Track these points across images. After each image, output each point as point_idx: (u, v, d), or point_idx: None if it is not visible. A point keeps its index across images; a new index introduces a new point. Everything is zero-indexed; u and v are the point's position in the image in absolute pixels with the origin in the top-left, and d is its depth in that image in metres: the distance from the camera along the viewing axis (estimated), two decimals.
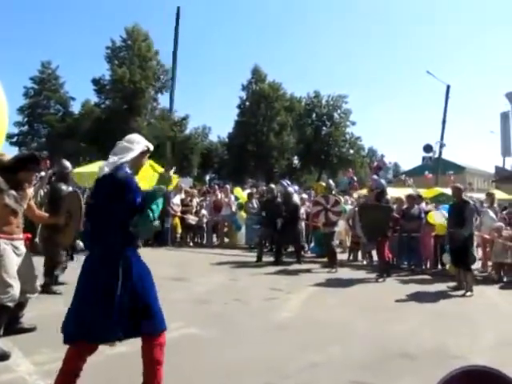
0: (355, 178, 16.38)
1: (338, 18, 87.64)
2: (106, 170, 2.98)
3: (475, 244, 8.60)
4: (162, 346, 3.03)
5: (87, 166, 17.74)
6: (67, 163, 7.12)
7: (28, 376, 3.68)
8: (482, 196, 12.79)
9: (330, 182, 11.59)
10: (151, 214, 2.96)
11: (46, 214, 5.20)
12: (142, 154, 3.16)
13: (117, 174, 2.95)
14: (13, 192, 4.31)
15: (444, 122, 24.83)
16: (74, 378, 2.92)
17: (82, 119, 42.72)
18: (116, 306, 2.80)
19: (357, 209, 10.43)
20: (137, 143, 3.16)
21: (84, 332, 2.83)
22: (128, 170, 3.03)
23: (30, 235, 4.84)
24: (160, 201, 3.05)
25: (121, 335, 2.86)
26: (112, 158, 3.04)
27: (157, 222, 3.14)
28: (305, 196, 14.06)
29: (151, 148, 3.24)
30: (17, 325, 4.70)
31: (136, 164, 3.13)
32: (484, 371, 1.76)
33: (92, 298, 2.85)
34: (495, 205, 10.62)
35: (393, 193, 12.63)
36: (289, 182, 12.44)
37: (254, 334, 4.80)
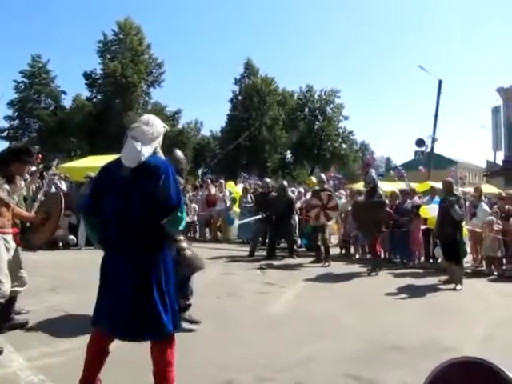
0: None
1: (331, 13, 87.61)
2: (142, 158, 2.79)
3: (466, 237, 8.69)
4: (173, 347, 2.93)
5: (79, 160, 17.66)
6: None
7: (20, 371, 3.66)
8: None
9: (322, 175, 11.59)
10: (182, 220, 2.86)
11: (24, 212, 4.87)
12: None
13: (159, 162, 2.84)
14: (6, 185, 4.25)
15: (436, 116, 24.98)
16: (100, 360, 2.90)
17: (74, 113, 42.39)
18: (142, 301, 2.74)
19: (350, 208, 10.45)
20: (156, 126, 2.99)
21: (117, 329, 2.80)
22: (165, 160, 2.93)
23: (17, 229, 4.72)
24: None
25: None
26: (138, 144, 2.83)
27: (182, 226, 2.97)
28: (301, 190, 14.05)
29: (168, 128, 3.15)
30: (9, 321, 4.67)
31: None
32: (474, 362, 1.79)
33: (120, 292, 2.76)
34: (484, 199, 10.69)
35: (386, 187, 12.69)
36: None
37: (246, 328, 4.82)
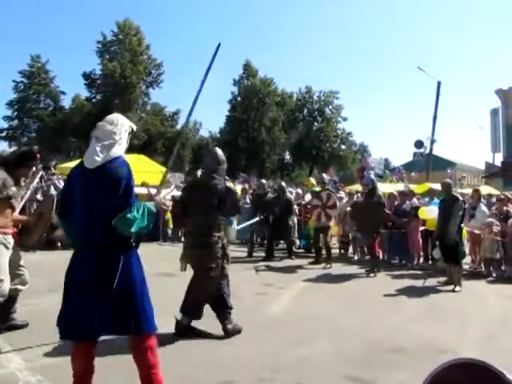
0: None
1: (330, 14, 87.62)
2: (99, 159, 2.75)
3: (465, 239, 8.69)
4: (153, 349, 2.88)
5: (78, 160, 17.61)
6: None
7: (19, 372, 3.66)
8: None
9: (323, 175, 11.59)
10: (134, 222, 2.73)
11: (20, 216, 4.86)
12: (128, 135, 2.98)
13: (116, 166, 2.77)
14: (14, 188, 4.35)
15: (435, 118, 24.98)
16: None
17: (73, 114, 42.41)
18: (109, 303, 2.70)
19: (349, 209, 10.47)
20: (121, 125, 2.93)
21: (73, 330, 2.75)
22: (126, 161, 2.85)
23: (15, 229, 4.74)
24: (146, 218, 2.82)
25: (107, 332, 2.81)
26: (99, 145, 2.80)
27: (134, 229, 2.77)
28: (299, 191, 14.04)
29: (135, 128, 3.06)
30: (9, 321, 4.68)
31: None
32: (473, 363, 1.79)
33: (85, 294, 2.72)
34: (483, 200, 10.72)
35: (384, 188, 12.70)
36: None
37: (245, 329, 4.81)
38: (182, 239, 13.45)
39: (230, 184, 4.79)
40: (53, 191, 10.37)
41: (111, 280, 2.71)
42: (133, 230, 2.74)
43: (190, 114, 4.31)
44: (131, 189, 2.80)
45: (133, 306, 2.77)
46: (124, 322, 2.75)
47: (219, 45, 4.13)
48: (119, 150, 2.85)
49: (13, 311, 4.73)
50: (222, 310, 4.75)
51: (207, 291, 4.70)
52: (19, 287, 4.64)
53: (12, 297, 4.55)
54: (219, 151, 5.02)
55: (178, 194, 13.86)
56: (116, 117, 2.99)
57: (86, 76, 43.11)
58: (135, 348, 2.87)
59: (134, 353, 2.88)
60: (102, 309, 2.70)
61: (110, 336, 2.96)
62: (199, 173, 5.25)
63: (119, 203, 2.72)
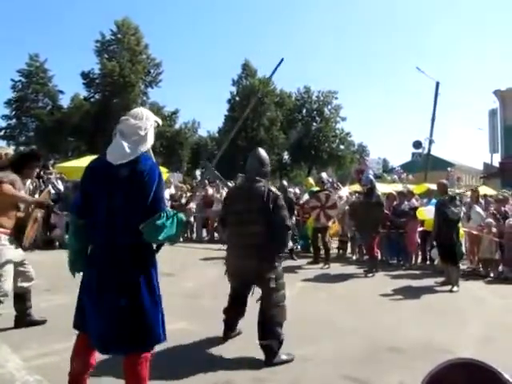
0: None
1: (329, 14, 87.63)
2: (126, 155, 2.60)
3: (463, 239, 8.71)
4: (148, 361, 2.72)
5: (76, 160, 17.63)
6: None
7: (16, 371, 3.66)
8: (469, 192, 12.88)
9: (322, 175, 11.57)
10: (162, 230, 2.58)
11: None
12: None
13: (146, 166, 2.61)
14: (22, 190, 4.49)
15: (433, 118, 24.94)
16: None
17: (71, 113, 42.31)
18: (123, 309, 2.57)
19: (347, 208, 10.49)
20: (146, 119, 2.77)
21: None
22: (155, 161, 2.71)
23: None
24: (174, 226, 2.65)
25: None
26: (124, 140, 2.65)
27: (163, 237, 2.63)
28: (297, 191, 14.04)
29: (160, 123, 2.92)
30: (27, 317, 4.76)
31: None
32: (470, 363, 1.79)
33: (99, 299, 2.61)
34: (481, 201, 10.73)
35: (382, 188, 12.70)
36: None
37: (243, 329, 4.81)
38: (181, 239, 13.59)
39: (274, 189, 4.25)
40: (51, 190, 10.34)
41: (131, 285, 2.58)
42: (161, 237, 2.60)
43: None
44: (162, 192, 2.68)
45: (146, 317, 2.63)
46: (133, 333, 2.61)
47: (282, 60, 4.26)
48: (145, 145, 2.71)
49: (28, 308, 4.81)
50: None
51: (279, 302, 4.19)
52: (24, 284, 4.67)
53: (21, 294, 4.65)
54: (262, 151, 4.61)
55: (173, 192, 14.02)
56: (141, 110, 2.85)
57: (84, 75, 42.99)
58: (130, 358, 2.69)
59: (126, 362, 2.69)
60: (114, 314, 2.57)
61: None
62: (239, 179, 4.89)
63: (148, 206, 2.57)
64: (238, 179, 4.63)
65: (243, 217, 4.18)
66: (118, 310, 2.57)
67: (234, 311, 4.54)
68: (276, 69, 4.01)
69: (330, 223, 10.10)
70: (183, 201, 13.97)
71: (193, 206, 13.87)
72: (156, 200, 2.61)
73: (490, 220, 9.16)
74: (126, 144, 2.64)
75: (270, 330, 4.02)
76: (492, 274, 8.88)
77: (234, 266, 4.33)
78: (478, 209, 9.68)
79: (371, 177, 9.32)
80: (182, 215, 2.74)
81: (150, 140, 2.77)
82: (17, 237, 4.52)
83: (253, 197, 4.20)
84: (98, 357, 2.92)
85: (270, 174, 4.54)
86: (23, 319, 4.73)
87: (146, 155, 2.71)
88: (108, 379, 3.39)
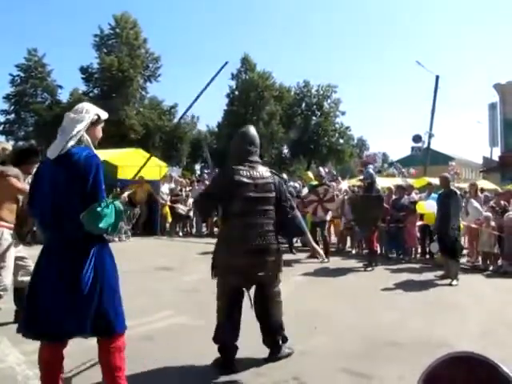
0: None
1: (328, 8, 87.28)
2: (59, 149, 2.65)
3: (462, 233, 8.72)
4: (121, 351, 2.77)
5: None
6: None
7: (17, 366, 3.66)
8: None
9: (320, 169, 11.57)
10: (103, 217, 2.60)
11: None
12: (94, 124, 2.82)
13: (82, 157, 2.63)
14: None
15: (433, 112, 24.91)
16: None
17: (70, 108, 41.54)
18: (80, 302, 2.60)
19: (346, 198, 10.52)
20: (86, 112, 2.79)
21: (45, 330, 2.65)
22: (94, 153, 2.72)
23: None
24: (114, 216, 2.68)
25: (84, 331, 2.66)
26: (61, 134, 2.70)
27: (104, 226, 2.64)
28: (297, 185, 14.01)
29: (103, 116, 2.89)
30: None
31: (91, 137, 2.78)
32: (470, 357, 1.80)
33: (56, 293, 2.62)
34: (480, 195, 10.74)
35: (382, 182, 12.71)
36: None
37: (242, 323, 4.81)
38: (180, 233, 13.62)
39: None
40: None
41: (82, 278, 2.60)
42: (101, 225, 2.60)
43: (181, 117, 4.22)
44: (100, 182, 2.67)
45: (105, 306, 2.67)
46: (96, 322, 2.64)
47: (226, 63, 4.08)
48: (81, 138, 2.72)
49: None
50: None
51: (279, 297, 4.02)
52: (24, 279, 4.65)
53: (21, 289, 4.61)
54: (253, 129, 4.12)
55: (172, 186, 14.02)
56: (82, 105, 2.89)
57: (83, 70, 42.84)
58: (102, 348, 2.76)
59: (100, 353, 2.77)
60: (75, 308, 2.59)
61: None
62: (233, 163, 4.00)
63: (88, 197, 2.60)
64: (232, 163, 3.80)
65: (250, 206, 3.69)
66: (74, 299, 2.60)
67: (231, 325, 3.92)
68: (219, 72, 3.90)
69: (328, 217, 10.11)
70: (183, 195, 14.01)
71: (192, 200, 13.88)
72: (95, 190, 2.64)
73: (489, 214, 9.17)
74: (61, 138, 2.69)
75: (274, 327, 3.94)
76: (491, 268, 8.90)
77: (236, 263, 3.77)
78: (476, 203, 9.69)
79: (371, 171, 9.32)
80: (118, 203, 2.77)
81: (82, 130, 2.74)
82: (18, 231, 4.52)
83: (260, 183, 3.75)
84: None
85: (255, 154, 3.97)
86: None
87: (82, 147, 2.71)
88: None
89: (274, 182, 3.83)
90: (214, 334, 3.87)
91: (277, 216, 3.82)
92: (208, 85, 3.73)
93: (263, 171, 3.83)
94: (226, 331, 3.84)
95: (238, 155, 3.89)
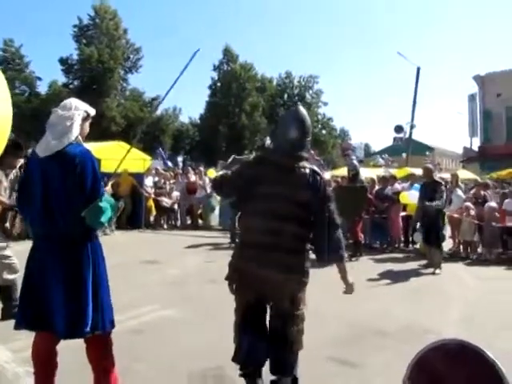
0: (318, 158, 16.36)
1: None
2: (50, 147, 2.62)
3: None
4: (111, 346, 2.80)
5: None
6: None
7: (6, 364, 3.65)
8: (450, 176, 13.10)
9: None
10: (104, 212, 2.64)
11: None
12: (83, 121, 2.80)
13: (77, 154, 2.62)
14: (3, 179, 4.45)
15: (414, 103, 25.19)
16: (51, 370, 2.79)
17: (49, 100, 41.39)
18: (73, 298, 2.59)
19: (331, 189, 10.59)
20: (75, 109, 2.76)
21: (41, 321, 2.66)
22: (87, 147, 2.71)
23: None
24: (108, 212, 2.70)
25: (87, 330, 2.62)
26: (50, 132, 2.68)
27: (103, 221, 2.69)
28: None
29: (91, 113, 2.88)
30: (13, 309, 4.68)
31: (81, 134, 2.77)
32: (456, 344, 1.86)
33: (49, 290, 2.61)
34: (461, 184, 10.93)
35: (365, 173, 12.84)
36: None
37: (229, 316, 4.83)
38: (165, 226, 13.57)
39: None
40: None
41: (76, 274, 2.61)
42: (103, 219, 2.65)
43: (156, 107, 4.16)
44: (98, 178, 2.69)
45: (96, 302, 2.66)
46: (89, 318, 2.62)
47: (197, 50, 3.98)
48: (72, 135, 2.69)
49: (14, 300, 4.72)
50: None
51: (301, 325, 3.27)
52: (10, 277, 4.60)
53: (5, 287, 4.55)
54: (305, 113, 3.27)
55: (156, 179, 13.96)
56: (70, 101, 2.85)
57: (62, 61, 42.10)
58: (90, 345, 2.75)
59: (88, 350, 2.76)
60: (68, 304, 2.59)
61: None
62: (268, 143, 3.66)
63: (88, 193, 2.61)
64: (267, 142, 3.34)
65: (274, 206, 2.91)
66: (72, 297, 2.60)
67: (249, 344, 3.18)
68: (191, 59, 3.86)
69: None
70: (167, 188, 13.95)
71: (176, 193, 13.86)
72: (96, 186, 2.65)
73: (469, 203, 9.35)
74: (51, 136, 2.67)
75: (289, 362, 3.06)
76: (472, 256, 9.08)
77: (249, 274, 3.15)
78: (460, 192, 9.85)
79: (355, 162, 9.41)
80: (108, 196, 2.79)
81: (76, 130, 2.73)
82: (1, 228, 4.48)
83: (293, 180, 2.95)
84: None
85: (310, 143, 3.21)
86: (10, 311, 4.67)
87: (75, 144, 2.70)
88: None
89: (312, 181, 3.04)
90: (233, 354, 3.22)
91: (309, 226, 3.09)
92: (181, 74, 3.67)
93: (302, 166, 3.03)
94: (243, 351, 3.17)
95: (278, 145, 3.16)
